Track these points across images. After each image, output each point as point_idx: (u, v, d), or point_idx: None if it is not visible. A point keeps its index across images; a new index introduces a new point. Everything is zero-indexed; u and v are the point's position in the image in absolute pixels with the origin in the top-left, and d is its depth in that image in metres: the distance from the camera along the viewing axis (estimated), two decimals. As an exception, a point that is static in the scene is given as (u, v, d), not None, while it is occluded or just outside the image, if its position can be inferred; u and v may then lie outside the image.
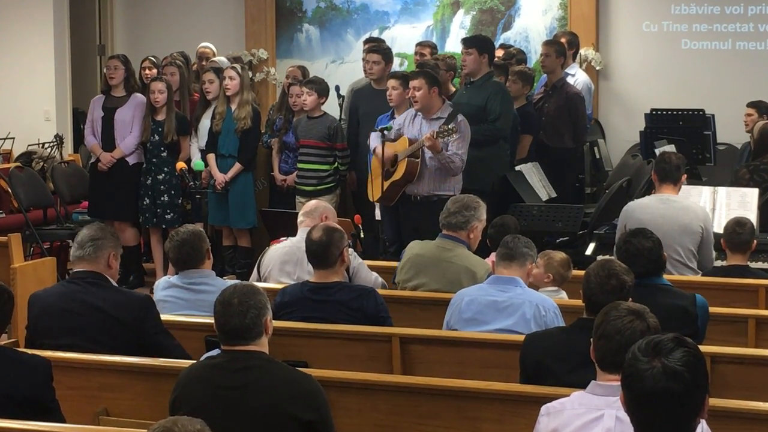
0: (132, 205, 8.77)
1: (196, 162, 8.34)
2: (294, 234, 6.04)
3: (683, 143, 8.05)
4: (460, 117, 7.41)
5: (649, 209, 6.32)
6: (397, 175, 7.45)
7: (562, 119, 8.95)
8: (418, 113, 7.51)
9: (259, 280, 5.92)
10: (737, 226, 6.03)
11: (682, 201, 6.43)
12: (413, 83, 7.45)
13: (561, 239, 7.91)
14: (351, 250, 5.68)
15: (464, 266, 5.52)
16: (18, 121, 10.81)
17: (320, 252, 5.02)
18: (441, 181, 7.39)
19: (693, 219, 6.28)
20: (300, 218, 6.02)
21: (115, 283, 4.77)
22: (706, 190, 7.20)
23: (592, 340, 3.41)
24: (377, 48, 8.82)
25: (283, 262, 5.85)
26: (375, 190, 7.57)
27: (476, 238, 5.70)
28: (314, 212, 5.98)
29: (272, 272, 5.87)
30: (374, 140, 7.62)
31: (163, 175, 8.70)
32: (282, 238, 6.12)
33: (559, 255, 5.57)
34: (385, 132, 7.64)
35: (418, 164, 7.37)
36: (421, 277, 5.67)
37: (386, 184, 7.51)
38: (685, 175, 6.55)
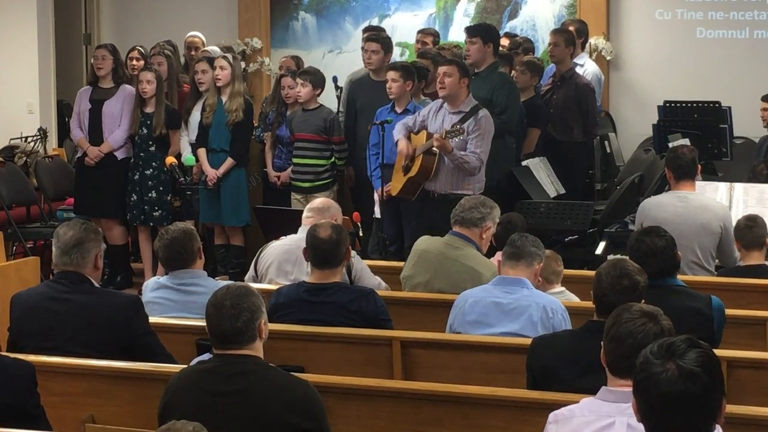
0: (120, 202, 8.76)
1: (187, 157, 8.35)
2: (291, 232, 6.03)
3: (698, 137, 8.05)
4: (482, 113, 7.34)
5: (665, 207, 6.32)
6: (413, 171, 7.44)
7: (571, 112, 8.94)
8: (443, 106, 7.48)
9: (256, 277, 5.92)
10: (748, 221, 6.02)
11: (701, 199, 6.42)
12: (444, 69, 7.39)
13: (570, 238, 7.92)
14: (353, 251, 5.68)
15: (470, 267, 5.51)
16: (-1, 114, 10.81)
17: (330, 251, 5.02)
18: (459, 179, 7.33)
19: (712, 218, 6.27)
20: (307, 214, 5.97)
21: (97, 283, 4.75)
22: (722, 187, 7.20)
23: (602, 343, 3.41)
24: (376, 37, 8.81)
25: (283, 261, 5.84)
26: (394, 184, 7.58)
27: (487, 240, 5.69)
28: (326, 212, 5.92)
29: (270, 271, 5.86)
30: (397, 132, 7.59)
31: (151, 170, 8.70)
32: (283, 237, 6.10)
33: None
34: (385, 125, 7.65)
35: (435, 161, 7.33)
36: (425, 274, 5.67)
37: (404, 179, 7.50)
38: (700, 166, 6.55)
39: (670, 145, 7.64)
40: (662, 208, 6.35)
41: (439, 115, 7.49)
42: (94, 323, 4.57)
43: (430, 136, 7.38)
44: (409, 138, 7.55)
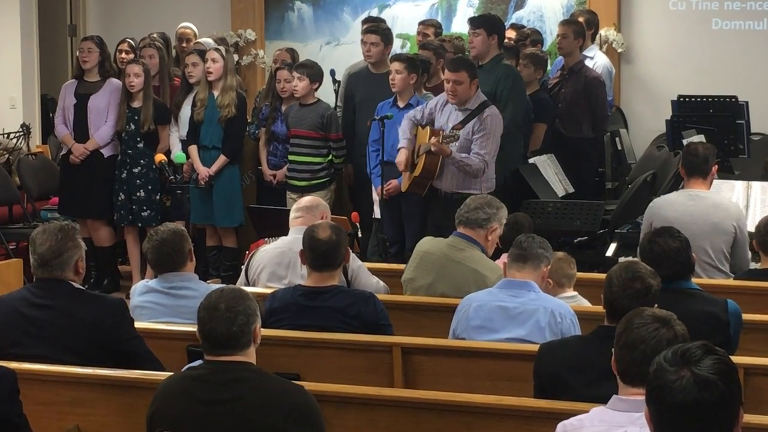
0: (107, 202, 8.77)
1: (177, 154, 8.34)
2: (284, 234, 6.03)
3: (714, 133, 8.05)
4: (488, 111, 7.31)
5: (676, 206, 6.33)
6: (417, 170, 7.44)
7: (581, 106, 8.94)
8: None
9: (248, 283, 5.92)
10: None
11: (714, 197, 6.43)
12: (455, 76, 7.30)
13: (579, 239, 7.92)
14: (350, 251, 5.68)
15: (474, 270, 5.50)
16: (-20, 110, 10.81)
17: (330, 252, 5.02)
18: (466, 178, 7.31)
19: (725, 217, 6.28)
20: (295, 214, 5.98)
21: (79, 284, 4.74)
22: (738, 185, 7.21)
23: (613, 350, 3.41)
24: (376, 28, 8.81)
25: (277, 265, 5.84)
26: (404, 180, 7.61)
27: (493, 242, 5.68)
28: (315, 209, 5.95)
29: (262, 276, 5.86)
30: (402, 134, 7.57)
31: (139, 168, 8.70)
32: (266, 239, 6.11)
33: (557, 254, 5.53)
34: (386, 121, 7.64)
35: (438, 160, 7.31)
36: (427, 277, 5.66)
37: (411, 176, 7.50)
38: (716, 166, 6.56)
39: (685, 141, 7.65)
40: (673, 206, 6.36)
41: (446, 110, 7.48)
42: (77, 329, 4.54)
43: (434, 132, 7.37)
44: (415, 137, 7.54)
